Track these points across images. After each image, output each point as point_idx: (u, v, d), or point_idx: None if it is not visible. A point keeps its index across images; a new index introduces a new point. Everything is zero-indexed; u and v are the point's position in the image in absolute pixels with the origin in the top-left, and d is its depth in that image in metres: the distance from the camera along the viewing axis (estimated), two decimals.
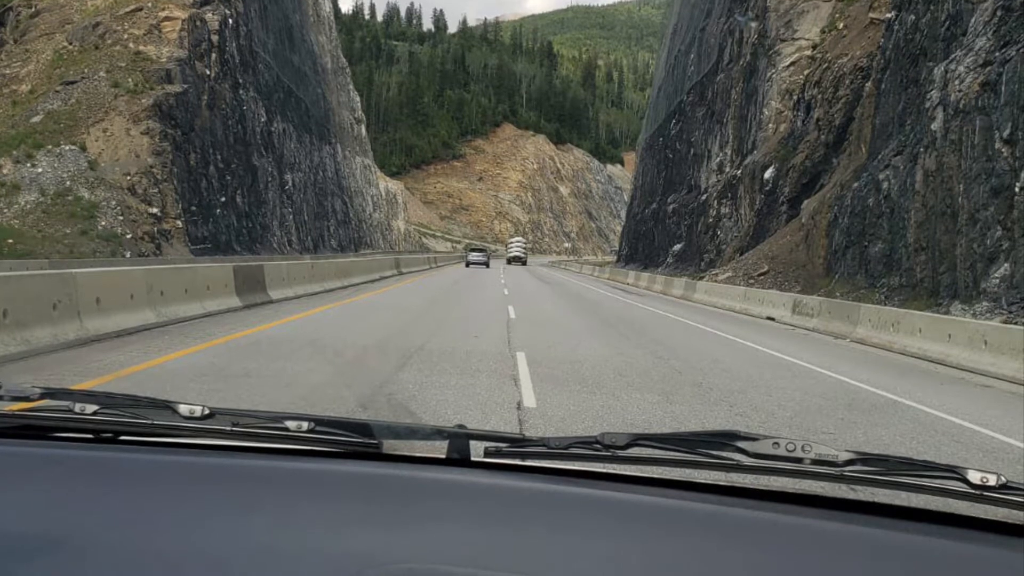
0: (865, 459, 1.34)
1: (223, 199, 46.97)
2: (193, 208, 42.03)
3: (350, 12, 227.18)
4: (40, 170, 34.99)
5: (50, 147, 36.25)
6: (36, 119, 38.55)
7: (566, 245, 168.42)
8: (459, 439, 1.47)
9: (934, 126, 21.82)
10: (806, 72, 42.73)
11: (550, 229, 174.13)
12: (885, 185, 25.20)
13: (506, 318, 16.91)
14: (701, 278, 38.51)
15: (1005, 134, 18.52)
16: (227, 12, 51.18)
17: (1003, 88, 18.91)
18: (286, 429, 1.46)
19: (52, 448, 1.47)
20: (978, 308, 18.15)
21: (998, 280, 18.10)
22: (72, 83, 40.86)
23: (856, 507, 1.33)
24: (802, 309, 21.41)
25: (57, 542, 1.11)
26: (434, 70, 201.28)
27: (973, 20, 21.31)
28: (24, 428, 1.51)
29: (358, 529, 1.20)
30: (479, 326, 14.88)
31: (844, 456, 1.33)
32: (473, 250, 74.17)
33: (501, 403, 7.31)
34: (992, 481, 1.27)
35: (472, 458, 1.46)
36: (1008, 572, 1.14)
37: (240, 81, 53.37)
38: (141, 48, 44.05)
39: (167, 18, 46.11)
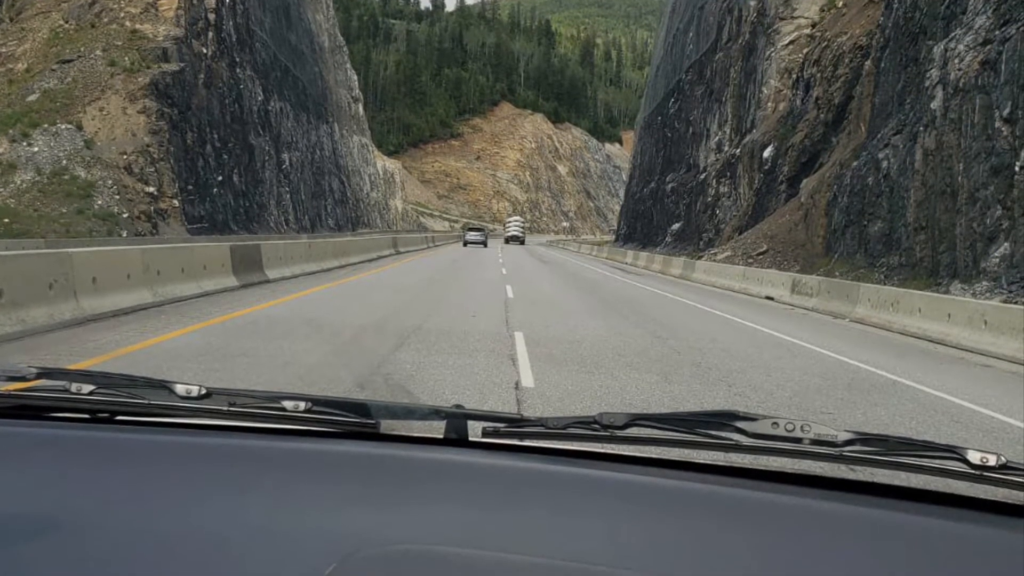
0: (864, 439, 1.34)
1: (220, 178, 46.75)
2: (190, 187, 41.86)
3: None
4: (36, 149, 34.83)
5: (46, 126, 36.06)
6: (32, 98, 38.33)
7: (564, 224, 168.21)
8: (457, 419, 1.47)
9: (934, 105, 21.74)
10: (805, 51, 42.54)
11: (548, 208, 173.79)
12: (884, 164, 25.13)
13: (504, 298, 16.90)
14: (700, 257, 38.52)
15: (1005, 113, 18.46)
16: None
17: (1003, 67, 18.83)
18: (283, 409, 1.45)
19: (48, 428, 1.47)
20: (978, 287, 18.16)
21: (998, 259, 18.10)
22: (68, 62, 40.59)
23: (855, 487, 1.33)
24: (801, 289, 21.41)
25: (54, 522, 1.10)
26: (432, 48, 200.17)
27: None
28: (20, 408, 1.50)
29: (356, 509, 1.20)
30: (477, 306, 14.88)
31: (843, 436, 1.33)
32: (471, 229, 74.02)
33: (499, 383, 7.31)
34: (992, 461, 1.26)
35: (470, 438, 1.46)
36: (1008, 552, 1.14)
37: (237, 60, 53.03)
38: (138, 26, 43.74)
39: None
